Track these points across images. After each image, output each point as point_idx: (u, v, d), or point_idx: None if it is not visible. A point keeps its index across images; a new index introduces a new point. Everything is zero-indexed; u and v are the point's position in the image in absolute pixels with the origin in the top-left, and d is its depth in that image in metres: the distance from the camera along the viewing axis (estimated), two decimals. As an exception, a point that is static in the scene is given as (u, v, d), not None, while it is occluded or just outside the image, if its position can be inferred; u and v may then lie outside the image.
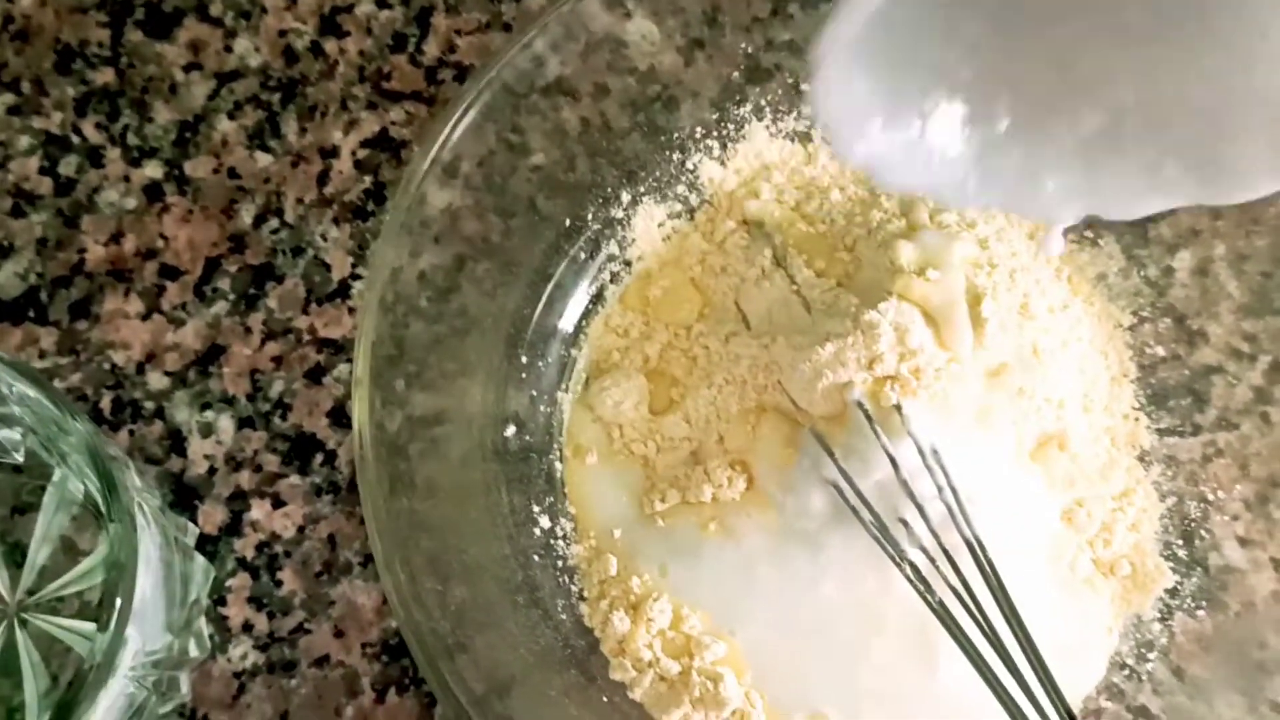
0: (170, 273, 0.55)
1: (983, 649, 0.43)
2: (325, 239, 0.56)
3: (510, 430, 0.50)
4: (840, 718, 0.47)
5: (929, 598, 0.44)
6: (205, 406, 0.53)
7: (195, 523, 0.52)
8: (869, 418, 0.45)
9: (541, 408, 0.52)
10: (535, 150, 0.51)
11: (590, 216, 0.53)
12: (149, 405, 0.53)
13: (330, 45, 0.58)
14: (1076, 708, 0.47)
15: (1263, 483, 0.50)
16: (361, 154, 0.57)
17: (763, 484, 0.49)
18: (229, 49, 0.58)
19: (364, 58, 0.58)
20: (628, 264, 0.54)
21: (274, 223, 0.56)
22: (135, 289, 0.55)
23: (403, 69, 0.58)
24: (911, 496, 0.45)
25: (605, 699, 0.47)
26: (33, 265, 0.55)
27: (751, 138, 0.54)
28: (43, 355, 0.54)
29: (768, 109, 0.53)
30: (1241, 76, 0.36)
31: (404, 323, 0.46)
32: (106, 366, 0.54)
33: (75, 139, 0.57)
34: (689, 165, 0.54)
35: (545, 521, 0.50)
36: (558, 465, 0.51)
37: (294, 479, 0.53)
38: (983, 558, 0.44)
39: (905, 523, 0.45)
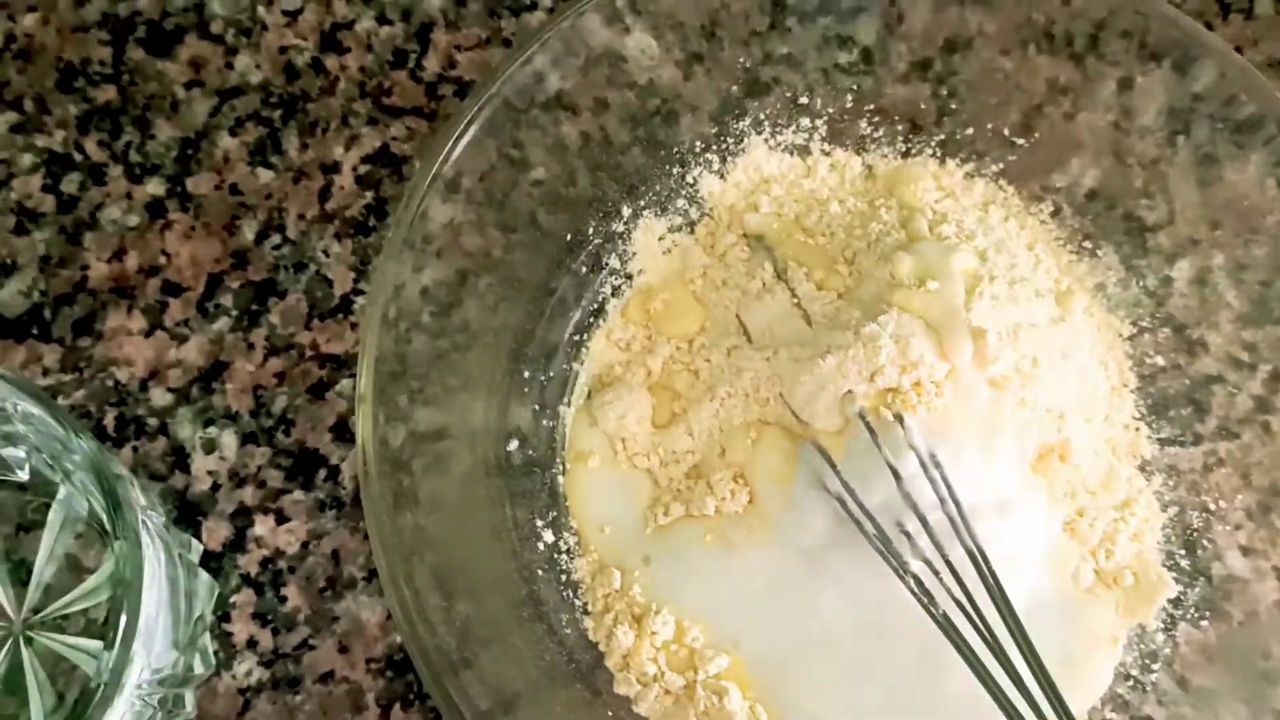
0: (173, 289, 0.55)
1: (987, 661, 0.43)
2: (327, 255, 0.56)
3: (513, 445, 0.50)
4: (844, 730, 0.47)
5: (932, 610, 0.44)
6: (208, 423, 0.53)
7: (199, 539, 0.52)
8: (870, 430, 0.45)
9: (544, 422, 0.52)
10: (536, 165, 0.51)
11: (591, 231, 0.53)
12: (152, 422, 0.53)
13: (331, 61, 0.58)
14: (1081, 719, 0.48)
15: (1264, 492, 0.50)
16: (363, 170, 0.57)
17: (761, 498, 0.49)
18: (230, 66, 0.58)
19: (365, 74, 0.58)
20: (629, 277, 0.54)
21: (276, 239, 0.56)
22: (138, 306, 0.55)
23: (403, 85, 0.58)
24: (914, 508, 0.45)
25: (610, 714, 0.47)
26: (36, 283, 0.55)
27: (751, 151, 0.54)
28: (46, 373, 0.54)
29: (767, 123, 0.54)
30: None
31: (407, 338, 0.46)
32: (110, 383, 0.54)
33: (77, 156, 0.57)
34: (689, 179, 0.54)
35: (549, 536, 0.50)
36: (560, 480, 0.51)
37: (297, 494, 0.53)
38: (985, 569, 0.44)
39: (908, 534, 0.45)
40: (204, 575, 0.50)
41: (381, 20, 0.59)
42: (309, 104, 0.58)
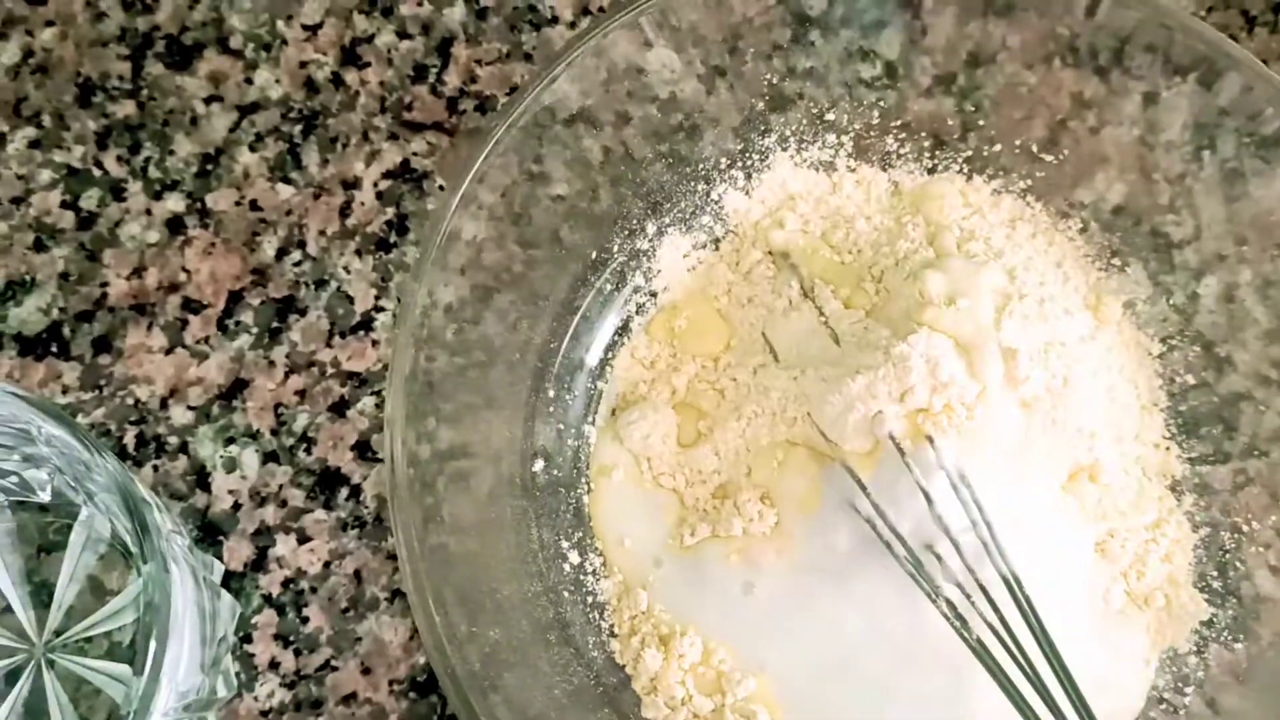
0: (193, 306, 0.55)
1: (1019, 684, 0.43)
2: (348, 271, 0.55)
3: (539, 465, 0.50)
4: (874, 755, 0.47)
5: (966, 635, 0.44)
6: (229, 441, 0.53)
7: (220, 559, 0.51)
8: (901, 451, 0.45)
9: (569, 441, 0.51)
10: (558, 180, 0.51)
11: (616, 248, 0.52)
12: (173, 441, 0.53)
13: (351, 76, 0.58)
14: (1113, 743, 0.47)
15: (1294, 510, 0.49)
16: (383, 185, 0.57)
17: (787, 519, 0.48)
18: (249, 81, 0.58)
19: (385, 88, 0.58)
20: (653, 295, 0.53)
21: (296, 255, 0.56)
22: (158, 323, 0.54)
23: (424, 99, 0.58)
24: (945, 530, 0.44)
25: (638, 738, 0.47)
26: (55, 300, 0.55)
27: (776, 168, 0.53)
28: (65, 391, 0.53)
29: (792, 139, 0.53)
30: None
31: (434, 357, 0.46)
32: (130, 402, 0.53)
33: (97, 172, 0.56)
34: (714, 196, 0.54)
35: (574, 557, 0.50)
36: (585, 499, 0.51)
37: (319, 514, 0.52)
38: (1020, 594, 0.43)
39: (938, 556, 0.45)
40: (226, 596, 0.49)
41: (402, 34, 0.59)
42: (329, 119, 0.57)
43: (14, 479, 0.46)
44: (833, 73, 0.53)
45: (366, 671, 0.51)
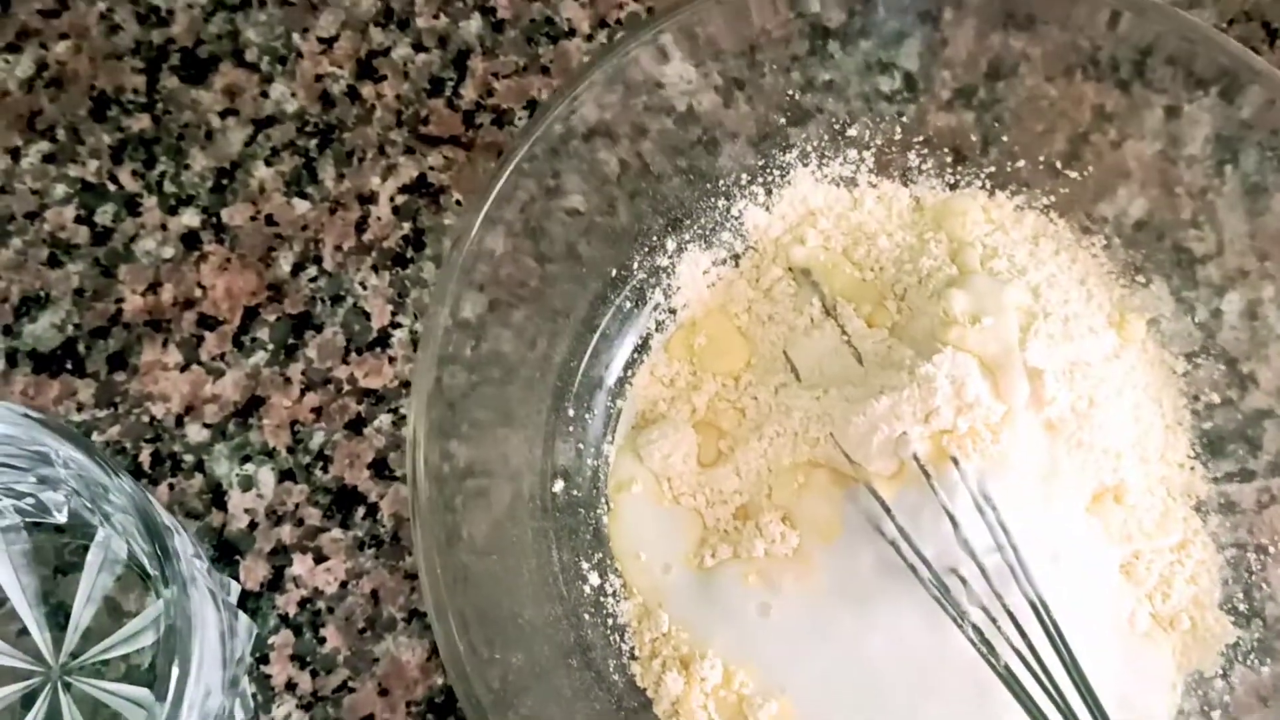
0: (208, 323, 0.54)
1: (1046, 710, 0.42)
2: (364, 287, 0.55)
3: (559, 485, 0.50)
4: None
5: (993, 660, 0.43)
6: (245, 459, 0.53)
7: (237, 579, 0.51)
8: (926, 473, 0.45)
9: (588, 460, 0.51)
10: (575, 195, 0.50)
11: (636, 265, 0.52)
12: (189, 458, 0.53)
13: (367, 89, 0.58)
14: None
15: (1319, 529, 0.49)
16: (400, 200, 0.56)
17: (807, 542, 0.48)
18: (265, 94, 0.57)
19: (401, 102, 0.57)
20: (673, 312, 0.53)
21: (312, 271, 0.55)
22: (173, 339, 0.54)
23: (440, 113, 0.57)
24: (971, 554, 0.44)
25: (660, 762, 0.46)
26: (70, 316, 0.54)
27: (796, 183, 0.53)
28: (80, 408, 0.53)
29: (813, 154, 0.53)
30: None
31: (455, 374, 0.46)
32: (145, 419, 0.53)
33: (111, 187, 0.56)
34: (734, 212, 0.53)
35: (594, 578, 0.49)
36: (605, 519, 0.51)
37: (336, 533, 0.52)
38: (1046, 619, 0.43)
39: (963, 580, 0.45)
40: (243, 617, 0.49)
41: (418, 47, 0.58)
42: (345, 133, 0.57)
43: (30, 500, 0.46)
44: (852, 85, 0.52)
45: (384, 693, 0.50)
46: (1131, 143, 0.50)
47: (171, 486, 0.52)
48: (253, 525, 0.52)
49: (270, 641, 0.51)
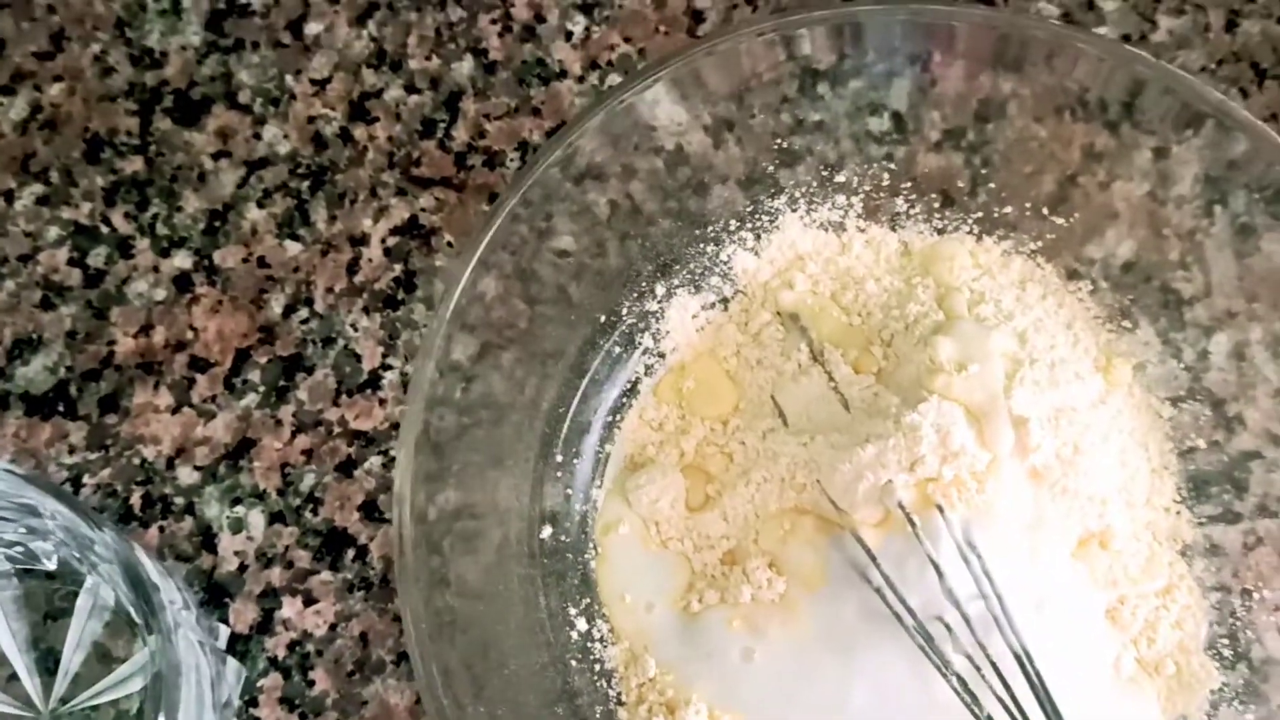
0: (200, 365, 0.55)
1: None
2: (355, 329, 0.55)
3: (546, 531, 0.50)
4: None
5: (976, 711, 0.43)
6: (236, 502, 0.53)
7: (226, 621, 0.51)
8: (911, 522, 0.45)
9: (576, 505, 0.51)
10: (565, 235, 0.50)
11: (625, 310, 0.52)
12: (179, 501, 0.53)
13: (359, 131, 0.58)
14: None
15: (1306, 572, 0.49)
16: (391, 241, 0.56)
17: (793, 587, 0.48)
18: (258, 136, 0.58)
19: (393, 143, 0.58)
20: (661, 356, 0.53)
21: (304, 313, 0.55)
22: (165, 382, 0.54)
23: (432, 154, 0.58)
24: (955, 603, 0.44)
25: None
26: (62, 359, 0.55)
27: (785, 228, 0.53)
28: (72, 450, 0.53)
29: (801, 199, 0.53)
30: None
31: (444, 417, 0.46)
32: (136, 461, 0.53)
33: (104, 229, 0.56)
34: (723, 256, 0.53)
35: (582, 624, 0.49)
36: (593, 564, 0.51)
37: (325, 575, 0.52)
38: (1030, 669, 0.43)
39: (948, 627, 0.45)
40: (232, 661, 0.49)
41: (410, 89, 0.59)
42: (337, 175, 0.57)
43: (20, 548, 0.46)
44: (841, 126, 0.52)
45: (373, 736, 0.50)
46: (1120, 184, 0.50)
47: (162, 529, 0.53)
48: (243, 568, 0.52)
49: (259, 684, 0.51)
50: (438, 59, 0.59)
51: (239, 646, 0.51)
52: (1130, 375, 0.51)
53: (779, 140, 0.52)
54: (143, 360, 0.55)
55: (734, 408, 0.52)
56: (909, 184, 0.53)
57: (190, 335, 0.55)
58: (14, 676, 0.46)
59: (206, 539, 0.52)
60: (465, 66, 0.59)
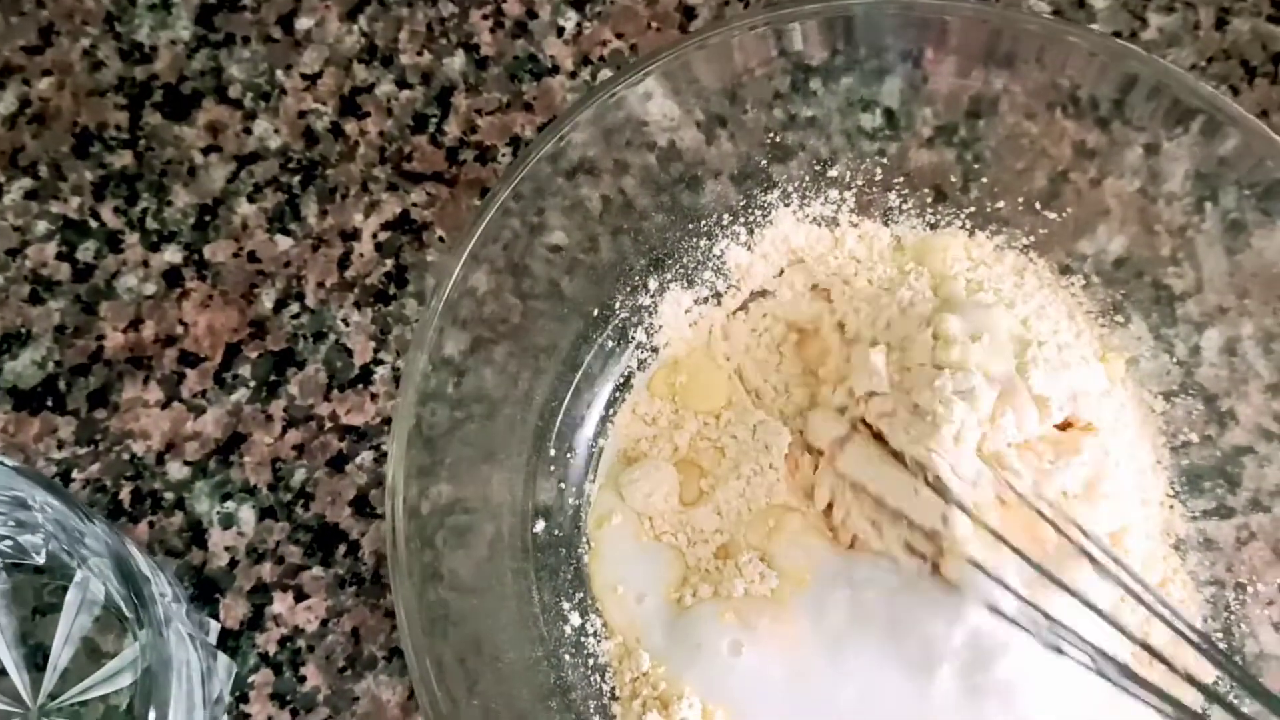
0: (190, 360, 0.54)
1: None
2: (347, 324, 0.55)
3: (540, 525, 0.50)
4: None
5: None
6: (226, 497, 0.53)
7: (216, 617, 0.51)
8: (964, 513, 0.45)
9: (570, 499, 0.51)
10: (557, 230, 0.50)
11: (618, 304, 0.52)
12: (169, 496, 0.53)
13: (350, 126, 0.58)
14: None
15: (1298, 566, 0.49)
16: (382, 236, 0.56)
17: (784, 584, 0.48)
18: (248, 131, 0.57)
19: (384, 138, 0.58)
20: (655, 350, 0.53)
21: (295, 307, 0.55)
22: (155, 377, 0.54)
23: (423, 149, 0.58)
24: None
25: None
26: (51, 353, 0.54)
27: (778, 223, 0.53)
28: (61, 446, 0.53)
29: (794, 194, 0.53)
30: None
31: (437, 412, 0.46)
32: (126, 457, 0.53)
33: (93, 223, 0.56)
34: (716, 251, 0.53)
35: (575, 618, 0.49)
36: (586, 559, 0.50)
37: (316, 570, 0.52)
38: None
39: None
40: (222, 657, 0.49)
41: (401, 84, 0.58)
42: (328, 169, 0.57)
43: (9, 542, 0.45)
44: (834, 122, 0.52)
45: (364, 732, 0.50)
46: (1111, 180, 0.50)
47: (151, 524, 0.52)
48: (233, 563, 0.52)
49: (250, 680, 0.50)
50: (429, 54, 0.59)
51: (229, 642, 0.51)
52: (1123, 370, 0.52)
53: (771, 135, 0.52)
54: (132, 355, 0.54)
55: (727, 402, 0.52)
56: (901, 179, 0.53)
57: (180, 330, 0.55)
58: (2, 672, 0.46)
59: (196, 534, 0.52)
60: (457, 62, 0.59)
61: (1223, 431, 0.51)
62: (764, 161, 0.52)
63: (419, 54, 0.59)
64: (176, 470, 0.53)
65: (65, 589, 0.46)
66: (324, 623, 0.51)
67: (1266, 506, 0.50)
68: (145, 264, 0.56)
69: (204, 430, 0.53)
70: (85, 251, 0.56)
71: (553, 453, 0.51)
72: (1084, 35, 0.48)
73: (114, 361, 0.54)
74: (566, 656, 0.48)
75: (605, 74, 0.59)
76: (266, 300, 0.55)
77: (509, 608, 0.47)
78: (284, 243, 0.56)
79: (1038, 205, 0.52)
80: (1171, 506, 0.51)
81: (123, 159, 0.57)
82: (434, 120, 0.58)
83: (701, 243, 0.53)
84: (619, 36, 0.59)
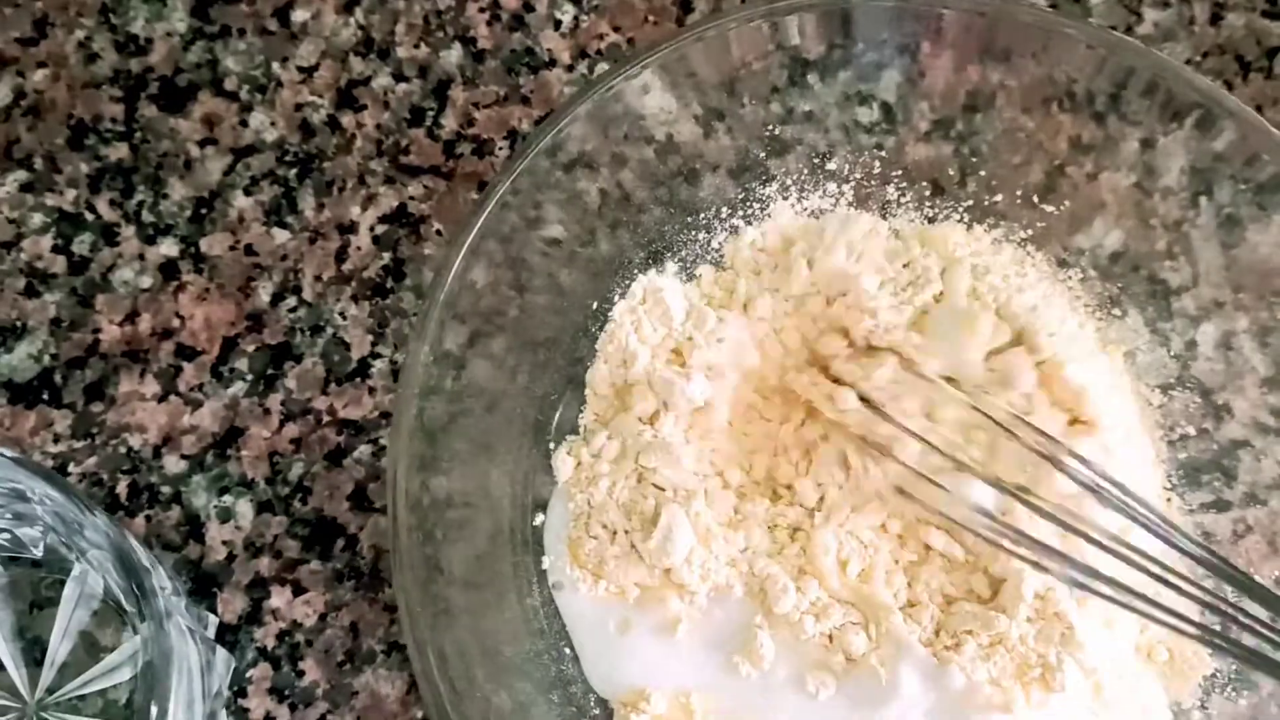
0: (187, 353, 0.54)
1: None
2: (344, 317, 0.55)
3: (540, 519, 0.49)
4: None
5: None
6: (223, 491, 0.52)
7: (214, 612, 0.51)
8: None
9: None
10: (555, 224, 0.50)
11: (617, 298, 0.52)
12: (166, 490, 0.52)
13: (347, 119, 0.58)
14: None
15: (1293, 559, 0.49)
16: (380, 229, 0.56)
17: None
18: (245, 123, 0.57)
19: (381, 131, 0.57)
20: (652, 345, 0.53)
21: (292, 301, 0.55)
22: (151, 370, 0.54)
23: (420, 143, 0.57)
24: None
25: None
26: (46, 346, 0.54)
27: (776, 216, 0.53)
28: (57, 439, 0.53)
29: (792, 187, 0.53)
30: None
31: (436, 406, 0.46)
32: (122, 450, 0.53)
33: (89, 216, 0.56)
34: (714, 244, 0.53)
35: (575, 611, 0.49)
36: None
37: (315, 565, 0.52)
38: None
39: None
40: (221, 651, 0.48)
41: (398, 77, 0.58)
42: (325, 163, 0.57)
43: (6, 535, 0.45)
44: (831, 117, 0.52)
45: (363, 726, 0.50)
46: (1107, 175, 0.51)
47: (149, 518, 0.52)
48: (231, 557, 0.52)
49: (248, 675, 0.50)
50: (426, 47, 0.59)
51: (227, 636, 0.51)
52: (1121, 363, 0.52)
53: (769, 129, 0.52)
54: (129, 348, 0.54)
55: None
56: (899, 173, 0.53)
57: (177, 323, 0.54)
58: (0, 667, 0.46)
59: (194, 528, 0.52)
60: (454, 55, 0.59)
61: (1219, 425, 0.51)
62: (762, 154, 0.53)
63: (416, 47, 0.59)
64: (173, 464, 0.53)
65: (63, 583, 0.46)
66: (322, 617, 0.51)
67: (1263, 500, 0.51)
68: (141, 257, 0.55)
69: (201, 424, 0.53)
70: (81, 244, 0.55)
71: (552, 446, 0.51)
72: (1080, 28, 0.48)
73: (110, 355, 0.54)
74: (567, 650, 0.48)
75: (602, 67, 0.59)
76: (263, 293, 0.55)
77: (509, 600, 0.47)
78: (281, 236, 0.56)
79: (1035, 199, 0.52)
80: (1169, 500, 0.51)
81: (118, 151, 0.57)
82: (431, 113, 0.58)
83: (700, 235, 0.53)
84: (616, 30, 0.59)
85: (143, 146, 0.57)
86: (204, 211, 0.56)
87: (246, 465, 0.53)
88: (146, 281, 0.55)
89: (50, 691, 0.46)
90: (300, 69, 0.58)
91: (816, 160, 0.53)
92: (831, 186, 0.53)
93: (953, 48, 0.50)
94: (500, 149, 0.57)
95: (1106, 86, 0.49)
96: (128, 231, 0.56)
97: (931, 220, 0.54)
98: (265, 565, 0.52)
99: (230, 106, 0.57)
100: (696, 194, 0.53)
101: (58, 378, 0.53)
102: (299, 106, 0.58)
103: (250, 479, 0.53)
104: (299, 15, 0.59)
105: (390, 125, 0.58)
